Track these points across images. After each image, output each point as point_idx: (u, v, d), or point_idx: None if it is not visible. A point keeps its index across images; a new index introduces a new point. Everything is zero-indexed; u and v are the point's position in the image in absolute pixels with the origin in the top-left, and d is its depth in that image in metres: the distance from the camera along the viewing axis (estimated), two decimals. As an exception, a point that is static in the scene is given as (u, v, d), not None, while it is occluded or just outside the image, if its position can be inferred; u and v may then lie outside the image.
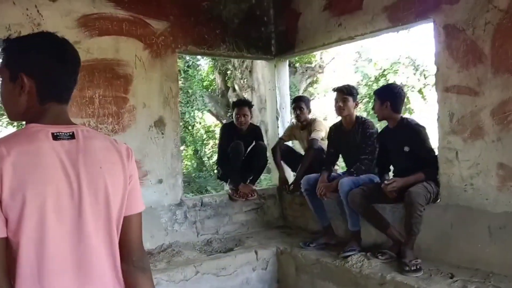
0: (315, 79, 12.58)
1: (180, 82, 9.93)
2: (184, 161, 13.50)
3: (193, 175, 12.12)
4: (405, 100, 4.00)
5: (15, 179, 1.07)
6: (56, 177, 1.13)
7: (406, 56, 8.90)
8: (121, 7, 3.79)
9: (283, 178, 4.51)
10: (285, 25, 4.67)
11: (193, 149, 13.08)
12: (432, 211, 3.28)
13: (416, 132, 3.33)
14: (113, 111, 3.77)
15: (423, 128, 3.39)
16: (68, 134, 1.18)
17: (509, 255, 2.85)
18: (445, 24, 3.16)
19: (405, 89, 8.30)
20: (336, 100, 3.71)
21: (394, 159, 3.56)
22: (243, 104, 4.47)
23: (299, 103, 4.35)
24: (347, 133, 3.77)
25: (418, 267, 3.01)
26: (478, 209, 3.01)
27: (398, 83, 8.57)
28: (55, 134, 1.16)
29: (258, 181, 4.80)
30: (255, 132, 4.57)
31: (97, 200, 1.18)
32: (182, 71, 9.81)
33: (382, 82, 8.41)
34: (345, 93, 3.67)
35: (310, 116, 4.46)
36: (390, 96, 3.44)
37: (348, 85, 3.76)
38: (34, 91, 1.20)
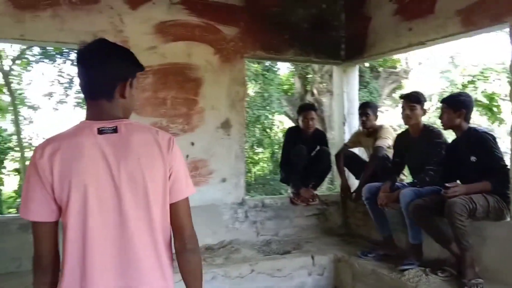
0: (399, 84, 12.15)
1: (257, 85, 10.23)
2: (260, 163, 13.82)
3: (268, 177, 12.35)
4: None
5: (63, 169, 1.28)
6: (97, 167, 1.29)
7: (499, 62, 8.22)
8: (194, 14, 4.08)
9: (344, 185, 4.50)
10: (355, 29, 4.65)
11: (270, 152, 13.34)
12: (500, 229, 3.09)
13: (482, 140, 3.16)
14: (184, 112, 4.07)
15: (491, 135, 3.20)
16: (111, 128, 1.33)
17: None
18: (523, 28, 2.96)
19: (496, 98, 7.76)
20: (403, 108, 3.63)
21: (461, 171, 3.38)
22: (309, 108, 4.55)
23: (365, 109, 4.31)
24: (414, 142, 3.66)
25: (479, 287, 2.85)
26: (553, 231, 2.77)
27: (489, 91, 8.01)
28: (100, 128, 1.32)
29: (320, 186, 4.81)
30: (320, 137, 4.61)
31: (136, 190, 1.31)
32: (260, 75, 10.05)
33: (470, 90, 7.86)
34: (412, 101, 3.57)
35: (377, 123, 4.39)
36: (464, 105, 3.29)
37: (416, 92, 3.65)
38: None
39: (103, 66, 1.35)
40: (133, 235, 1.31)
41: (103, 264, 1.29)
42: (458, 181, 3.48)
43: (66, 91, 10.61)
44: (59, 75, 10.41)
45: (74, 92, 10.46)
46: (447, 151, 3.49)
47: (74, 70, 9.98)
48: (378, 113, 4.41)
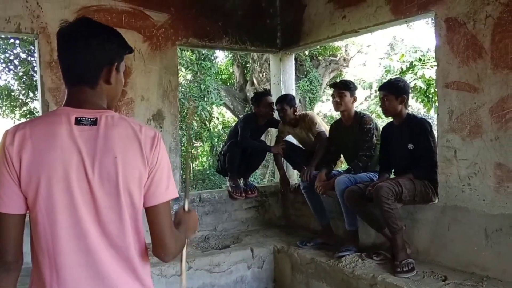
0: (339, 72, 12.65)
1: (191, 73, 10.20)
2: (199, 157, 13.83)
3: (208, 172, 12.39)
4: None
5: (33, 160, 1.22)
6: (71, 161, 1.24)
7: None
8: (121, -1, 4.04)
9: (283, 178, 4.67)
10: (290, 17, 4.83)
11: (210, 145, 13.36)
12: (429, 212, 3.39)
13: (422, 128, 3.41)
14: (111, 103, 4.02)
15: (429, 123, 3.47)
16: (91, 120, 1.27)
17: (505, 259, 2.93)
18: (447, 17, 3.24)
19: (433, 84, 8.31)
20: (333, 96, 3.86)
21: (396, 157, 3.62)
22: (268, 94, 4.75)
23: (282, 104, 4.39)
24: (346, 129, 3.91)
25: (410, 267, 3.13)
26: (475, 211, 3.10)
27: (427, 77, 8.54)
28: (78, 118, 1.26)
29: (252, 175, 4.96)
30: (273, 125, 4.83)
31: (109, 189, 1.26)
32: (195, 64, 10.04)
33: (409, 77, 8.33)
34: (341, 88, 3.81)
35: (298, 113, 4.47)
36: (405, 91, 3.50)
37: (345, 80, 3.93)
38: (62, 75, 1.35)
39: (86, 48, 1.29)
40: (105, 238, 1.28)
41: (74, 266, 1.26)
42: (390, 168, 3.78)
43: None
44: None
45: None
46: (382, 137, 3.74)
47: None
48: (296, 105, 4.49)
